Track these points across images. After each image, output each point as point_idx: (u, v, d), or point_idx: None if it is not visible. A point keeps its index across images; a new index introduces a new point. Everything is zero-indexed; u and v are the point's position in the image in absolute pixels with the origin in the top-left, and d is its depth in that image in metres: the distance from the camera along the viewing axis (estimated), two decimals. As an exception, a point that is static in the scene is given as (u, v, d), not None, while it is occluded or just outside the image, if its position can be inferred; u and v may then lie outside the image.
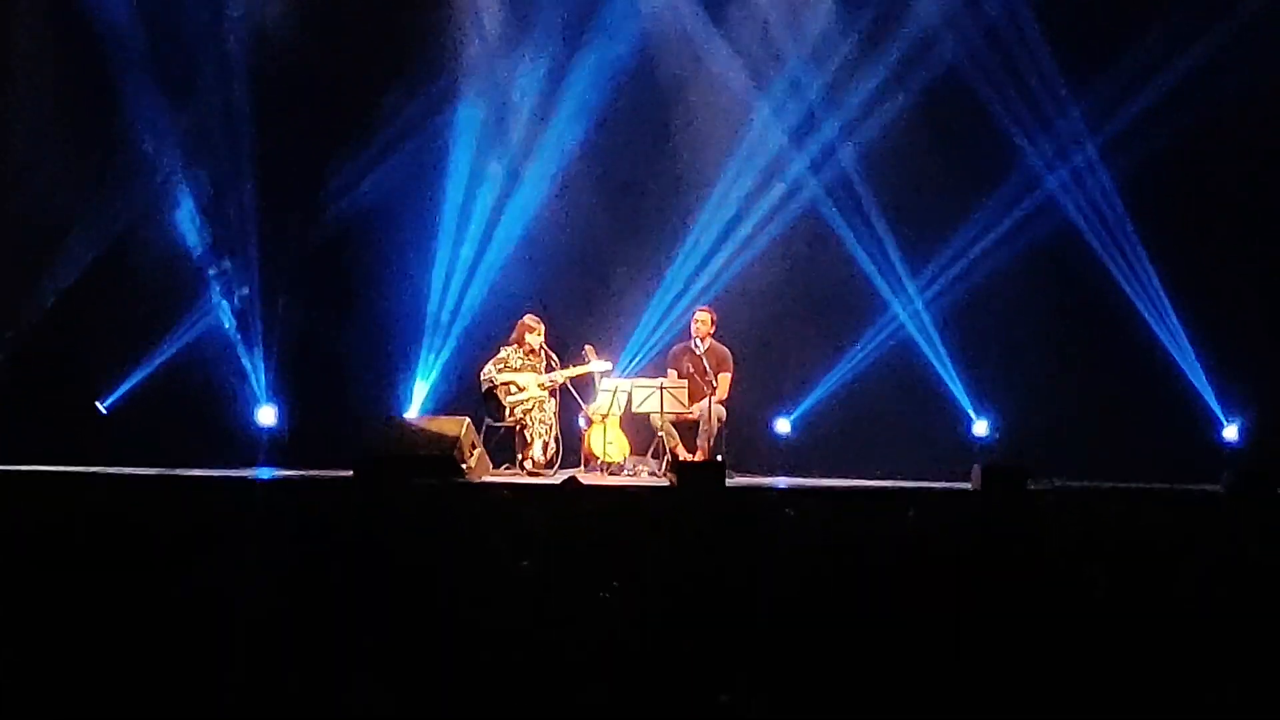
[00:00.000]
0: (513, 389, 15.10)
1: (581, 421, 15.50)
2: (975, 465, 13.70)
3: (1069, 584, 6.02)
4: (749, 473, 15.50)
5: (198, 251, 16.71)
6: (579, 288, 16.83)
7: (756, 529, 7.72)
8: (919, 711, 4.79)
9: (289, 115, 16.53)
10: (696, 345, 15.32)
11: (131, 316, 16.53)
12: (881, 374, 16.70)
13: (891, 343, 16.77)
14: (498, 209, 16.89)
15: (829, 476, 15.68)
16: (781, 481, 15.13)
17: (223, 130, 16.61)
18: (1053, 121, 16.48)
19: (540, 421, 15.09)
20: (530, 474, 14.83)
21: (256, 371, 16.66)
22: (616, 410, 15.06)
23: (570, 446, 15.48)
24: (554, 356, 15.28)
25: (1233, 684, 4.88)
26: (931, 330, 16.69)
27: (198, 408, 16.37)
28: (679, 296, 16.61)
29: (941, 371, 16.66)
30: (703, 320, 15.39)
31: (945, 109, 16.55)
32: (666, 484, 13.88)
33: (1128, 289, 16.39)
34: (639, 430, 15.51)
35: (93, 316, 16.45)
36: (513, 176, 16.92)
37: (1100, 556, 6.53)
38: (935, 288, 16.69)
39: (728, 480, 13.24)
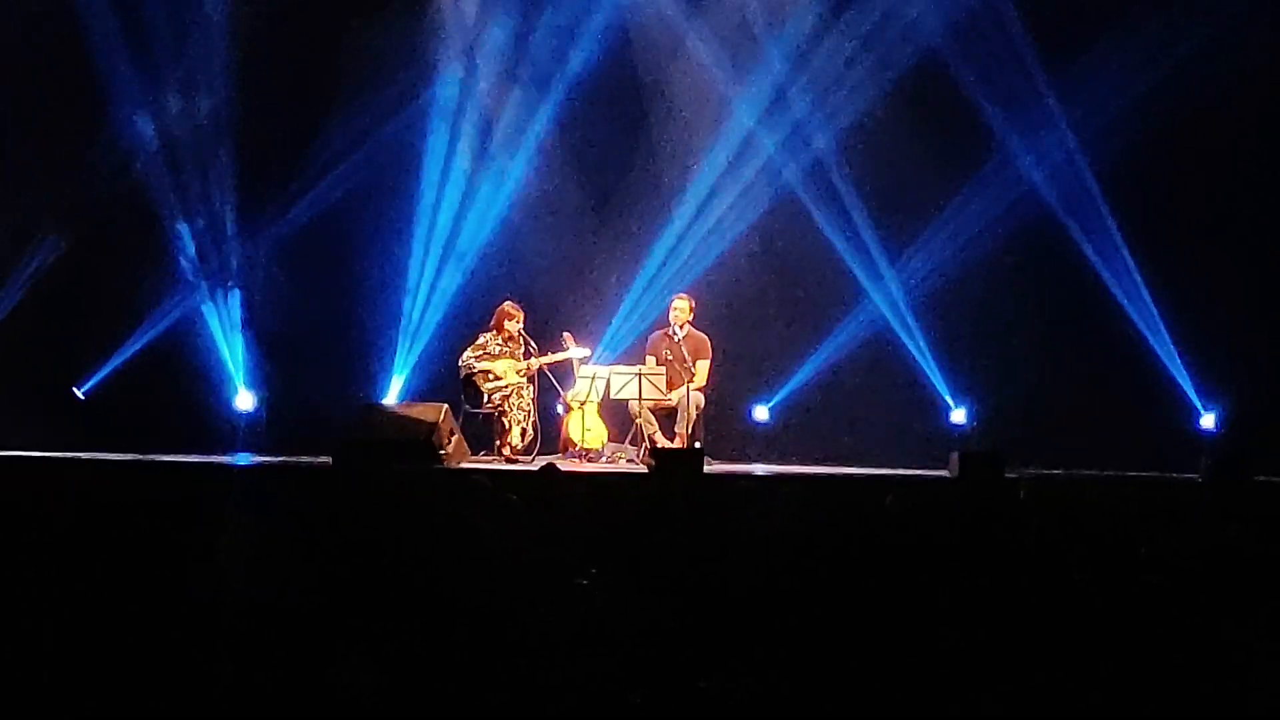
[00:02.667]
0: (491, 375, 15.10)
1: (560, 408, 15.49)
2: (953, 453, 13.72)
3: (1046, 571, 6.04)
4: (727, 460, 15.52)
5: (175, 237, 16.65)
6: (557, 274, 16.82)
7: (735, 516, 7.72)
8: (898, 696, 4.81)
9: (266, 101, 16.48)
10: (675, 332, 15.31)
11: (109, 301, 16.48)
12: (860, 362, 16.73)
13: (870, 330, 16.78)
14: (476, 195, 16.86)
15: (807, 464, 15.74)
16: (760, 468, 15.15)
17: (201, 116, 16.57)
18: (1032, 109, 16.49)
19: (518, 408, 15.09)
20: (508, 460, 14.82)
21: (234, 357, 16.63)
22: (595, 397, 15.04)
23: (549, 433, 15.48)
24: (532, 343, 15.27)
25: (1209, 668, 4.90)
26: (910, 318, 16.71)
27: (175, 393, 16.34)
28: (657, 283, 16.61)
29: (920, 359, 16.69)
30: (681, 307, 15.38)
31: (924, 97, 16.55)
32: (645, 471, 13.88)
33: (1106, 277, 16.43)
34: (617, 417, 15.51)
35: (70, 301, 16.40)
36: (491, 163, 16.88)
37: (1078, 544, 6.55)
38: (914, 276, 16.72)
39: (706, 467, 13.26)
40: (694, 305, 15.44)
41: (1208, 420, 16.42)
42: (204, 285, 16.67)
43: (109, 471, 12.75)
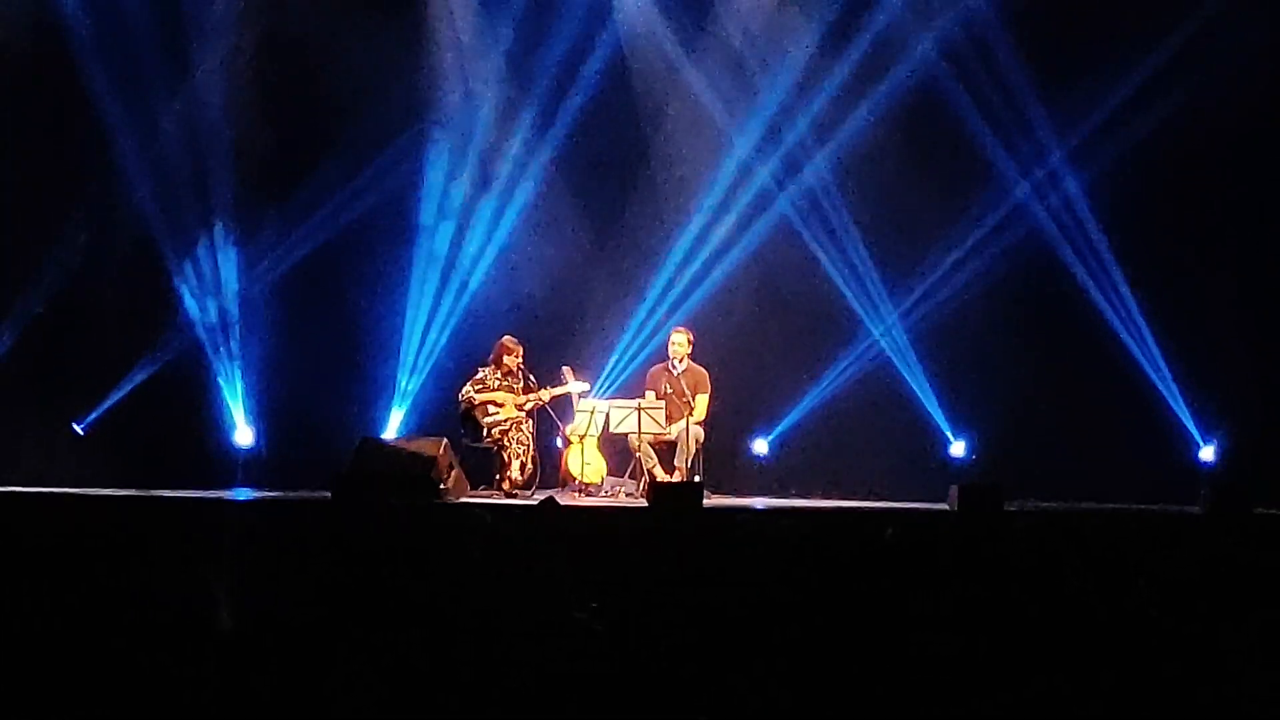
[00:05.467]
0: (490, 410, 15.10)
1: (559, 442, 15.48)
2: (952, 486, 13.70)
3: (1045, 603, 6.04)
4: (727, 493, 15.50)
5: (174, 271, 16.63)
6: (557, 309, 16.81)
7: (734, 550, 7.72)
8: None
9: (264, 136, 16.47)
10: (674, 366, 15.32)
11: (108, 337, 16.44)
12: (859, 395, 16.69)
13: (869, 363, 16.75)
14: (475, 229, 16.86)
15: (806, 497, 15.71)
16: (759, 502, 15.13)
17: (198, 151, 16.56)
18: (1029, 141, 16.51)
19: (518, 442, 15.08)
20: (508, 495, 14.81)
21: (233, 392, 16.61)
22: (594, 431, 15.04)
23: (548, 467, 15.47)
24: (532, 377, 15.27)
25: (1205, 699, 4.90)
26: (909, 351, 16.70)
27: (174, 429, 16.30)
28: (656, 317, 16.60)
29: (919, 392, 16.66)
30: (680, 341, 15.38)
31: (922, 129, 16.58)
32: (644, 505, 13.86)
33: (1105, 310, 16.42)
34: (617, 451, 15.50)
35: (69, 337, 16.37)
36: (490, 197, 16.89)
37: (1078, 576, 6.55)
38: (913, 308, 16.70)
39: (705, 501, 13.24)
40: (693, 339, 15.45)
41: (1207, 452, 16.40)
42: (203, 320, 16.64)
43: (108, 507, 12.72)
